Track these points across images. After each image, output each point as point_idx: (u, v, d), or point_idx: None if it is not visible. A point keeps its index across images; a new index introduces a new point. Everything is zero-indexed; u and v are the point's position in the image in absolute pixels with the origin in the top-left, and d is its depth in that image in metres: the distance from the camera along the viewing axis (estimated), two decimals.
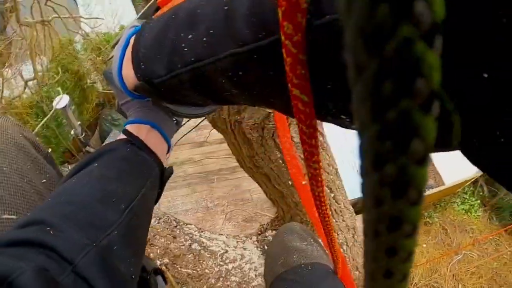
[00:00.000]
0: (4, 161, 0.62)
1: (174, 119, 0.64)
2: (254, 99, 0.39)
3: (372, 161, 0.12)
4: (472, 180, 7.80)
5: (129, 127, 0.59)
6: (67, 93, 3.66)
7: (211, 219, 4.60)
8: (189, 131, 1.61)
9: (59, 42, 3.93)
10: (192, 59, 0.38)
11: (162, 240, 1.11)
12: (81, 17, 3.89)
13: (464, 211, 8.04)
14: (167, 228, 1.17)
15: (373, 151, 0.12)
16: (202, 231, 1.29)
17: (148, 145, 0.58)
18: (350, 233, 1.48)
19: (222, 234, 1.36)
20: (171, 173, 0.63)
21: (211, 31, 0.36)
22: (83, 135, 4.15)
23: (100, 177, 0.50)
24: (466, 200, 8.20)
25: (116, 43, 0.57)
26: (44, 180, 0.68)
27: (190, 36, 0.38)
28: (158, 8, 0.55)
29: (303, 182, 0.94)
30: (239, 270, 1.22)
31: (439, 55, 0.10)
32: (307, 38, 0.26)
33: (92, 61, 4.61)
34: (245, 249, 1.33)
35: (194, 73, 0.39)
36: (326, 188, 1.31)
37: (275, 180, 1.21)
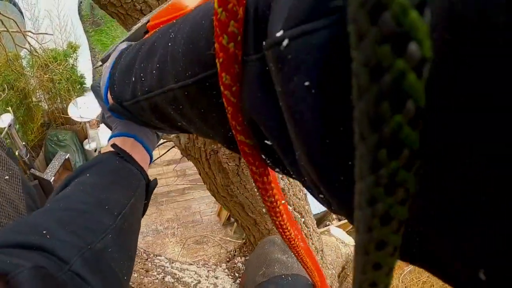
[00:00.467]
0: None
1: (155, 132, 0.68)
2: (200, 132, 0.41)
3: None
4: None
5: (115, 140, 0.62)
6: (12, 111, 3.47)
7: (161, 243, 4.50)
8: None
9: (5, 57, 3.73)
10: (146, 89, 0.41)
11: (135, 275, 1.07)
12: (30, 31, 3.72)
13: None
14: (139, 262, 1.14)
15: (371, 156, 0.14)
16: (172, 262, 1.27)
17: (134, 158, 0.61)
18: (319, 255, 1.51)
19: (192, 264, 1.34)
20: (156, 184, 0.65)
21: (158, 65, 0.38)
22: (28, 156, 3.93)
23: (93, 186, 0.52)
24: None
25: (105, 58, 0.61)
26: (7, 177, 0.64)
27: (147, 68, 0.41)
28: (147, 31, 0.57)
29: (282, 202, 0.96)
30: None
31: (425, 81, 0.13)
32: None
33: (39, 79, 4.41)
34: (216, 278, 1.31)
35: (149, 102, 0.42)
36: (297, 214, 1.33)
37: (249, 208, 1.21)
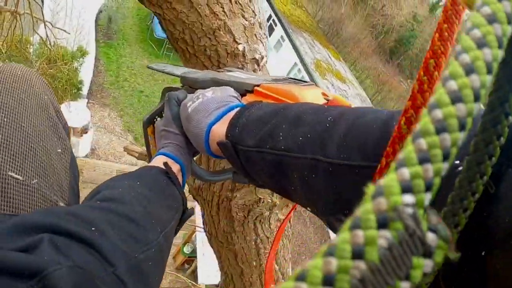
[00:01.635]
0: (24, 117, 0.57)
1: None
2: (307, 200, 0.47)
3: None
4: None
5: (166, 159, 0.64)
6: None
7: None
8: None
9: (17, 37, 3.75)
10: (282, 147, 0.47)
11: None
12: (49, 22, 3.77)
13: None
14: None
15: None
16: None
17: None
18: None
19: None
20: (192, 214, 0.66)
21: (308, 135, 0.45)
22: None
23: (143, 197, 0.53)
24: None
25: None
26: (60, 150, 0.62)
27: (289, 131, 0.47)
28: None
29: (272, 286, 1.00)
30: None
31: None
32: None
33: (41, 70, 4.40)
34: None
35: (277, 158, 0.47)
36: (281, 275, 1.37)
37: (241, 258, 1.24)
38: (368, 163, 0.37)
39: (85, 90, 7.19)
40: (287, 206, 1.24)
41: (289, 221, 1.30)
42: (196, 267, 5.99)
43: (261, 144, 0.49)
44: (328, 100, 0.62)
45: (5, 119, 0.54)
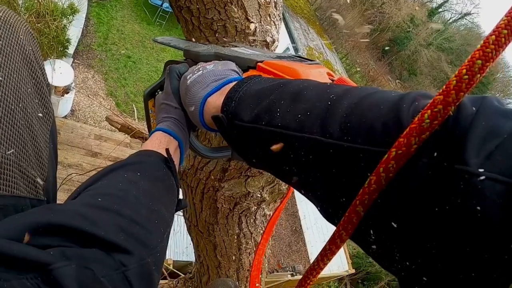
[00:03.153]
0: (2, 69, 0.47)
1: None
2: (303, 184, 0.44)
3: None
4: (339, 277, 8.35)
5: (163, 136, 0.62)
6: None
7: None
8: None
9: None
10: (279, 124, 0.44)
11: None
12: None
13: None
14: None
15: None
16: None
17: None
18: None
19: None
20: (186, 206, 0.64)
21: (308, 113, 0.41)
22: None
23: (146, 193, 0.50)
24: None
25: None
26: (41, 115, 0.53)
27: (288, 108, 0.44)
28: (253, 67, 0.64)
29: (256, 285, 0.97)
30: None
31: None
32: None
33: (30, 24, 4.20)
34: None
35: (273, 135, 0.44)
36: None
37: (220, 251, 1.18)
38: (374, 147, 0.34)
39: (71, 49, 6.96)
40: (275, 202, 1.17)
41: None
42: None
43: (257, 120, 0.47)
44: (333, 80, 0.59)
45: None
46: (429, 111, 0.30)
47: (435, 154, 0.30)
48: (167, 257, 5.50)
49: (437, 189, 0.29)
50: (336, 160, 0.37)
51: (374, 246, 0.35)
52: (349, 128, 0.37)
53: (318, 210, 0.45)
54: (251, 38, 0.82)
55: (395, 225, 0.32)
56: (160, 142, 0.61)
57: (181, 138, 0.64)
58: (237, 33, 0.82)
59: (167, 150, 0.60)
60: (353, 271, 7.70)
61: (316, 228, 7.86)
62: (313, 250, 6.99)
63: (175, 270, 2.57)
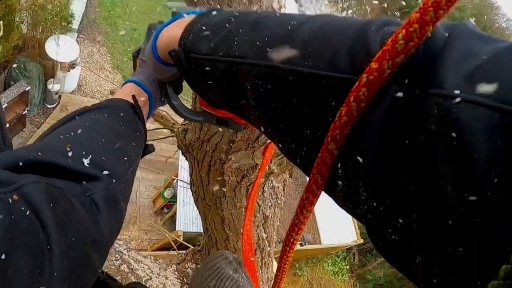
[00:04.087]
0: None
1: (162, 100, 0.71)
2: (263, 119, 0.41)
3: None
4: (347, 247, 8.44)
5: (133, 87, 0.63)
6: None
7: None
8: None
9: None
10: (236, 53, 0.41)
11: None
12: None
13: (332, 272, 8.61)
14: None
15: None
16: (129, 250, 1.20)
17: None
18: (267, 285, 1.49)
19: (146, 257, 1.27)
20: (152, 151, 0.66)
21: (266, 39, 0.39)
22: None
23: (112, 130, 0.53)
24: (337, 263, 8.80)
25: (137, 49, 0.70)
26: None
27: (246, 35, 0.41)
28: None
29: (251, 259, 0.96)
30: None
31: None
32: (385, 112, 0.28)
33: (32, 1, 4.15)
34: (166, 278, 1.26)
35: (229, 66, 0.42)
36: (267, 242, 1.30)
37: (228, 224, 1.17)
38: (339, 74, 0.32)
39: (75, 24, 6.88)
40: (283, 173, 1.16)
41: (283, 189, 1.23)
42: (175, 213, 5.96)
43: (214, 52, 0.44)
44: None
45: None
46: (404, 30, 0.27)
47: (406, 80, 0.27)
48: (176, 228, 5.57)
49: (409, 119, 0.26)
50: (296, 88, 0.35)
51: (340, 182, 0.33)
52: (311, 53, 0.34)
53: (280, 148, 0.43)
54: (256, 2, 0.79)
55: (360, 160, 0.29)
56: (130, 92, 0.62)
57: (151, 91, 0.65)
58: None
59: (133, 97, 0.60)
60: (362, 241, 7.75)
61: (325, 197, 7.89)
62: (322, 218, 7.02)
63: (184, 243, 2.60)
